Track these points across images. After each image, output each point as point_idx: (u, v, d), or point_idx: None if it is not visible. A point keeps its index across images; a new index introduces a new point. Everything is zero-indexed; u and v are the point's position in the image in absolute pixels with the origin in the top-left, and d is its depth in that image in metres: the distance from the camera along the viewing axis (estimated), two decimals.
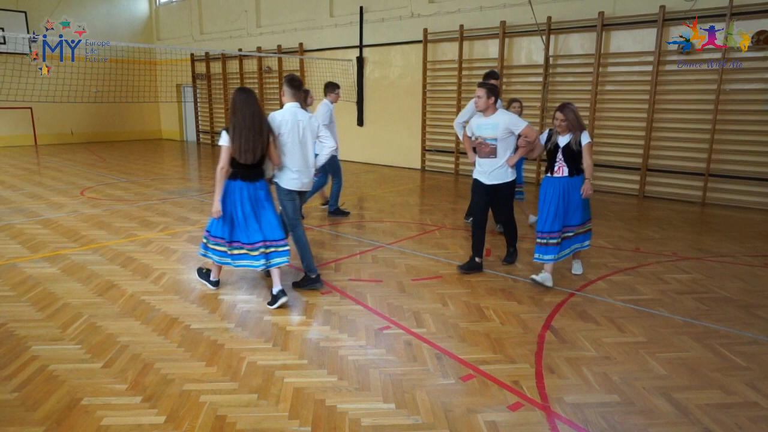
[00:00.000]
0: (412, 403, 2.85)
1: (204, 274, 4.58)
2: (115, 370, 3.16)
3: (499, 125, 4.68)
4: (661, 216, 7.59)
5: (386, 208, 7.92)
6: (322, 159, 4.65)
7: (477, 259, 4.98)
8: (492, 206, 5.10)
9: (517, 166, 6.26)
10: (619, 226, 6.93)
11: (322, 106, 6.86)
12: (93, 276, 4.80)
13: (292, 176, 4.37)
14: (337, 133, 7.11)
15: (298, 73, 14.14)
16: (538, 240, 4.59)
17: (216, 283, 4.51)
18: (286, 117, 4.26)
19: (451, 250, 5.70)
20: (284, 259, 4.24)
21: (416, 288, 4.59)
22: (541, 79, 9.85)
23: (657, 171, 8.94)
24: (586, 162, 4.55)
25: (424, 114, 11.89)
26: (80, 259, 5.27)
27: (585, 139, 4.50)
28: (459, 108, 11.06)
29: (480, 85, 4.71)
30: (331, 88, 7.03)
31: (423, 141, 12.05)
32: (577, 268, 5.01)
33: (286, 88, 4.31)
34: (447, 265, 5.19)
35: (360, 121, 13.28)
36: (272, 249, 4.21)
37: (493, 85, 4.72)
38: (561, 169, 4.57)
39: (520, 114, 6.38)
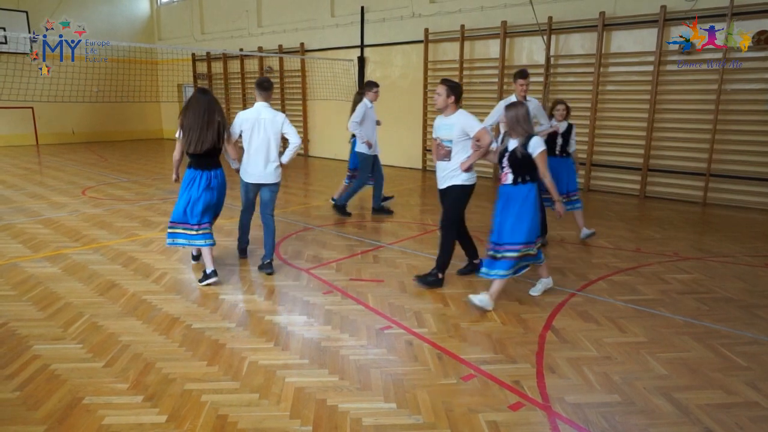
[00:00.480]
0: (413, 403, 2.85)
1: (204, 276, 4.60)
2: (117, 369, 3.16)
3: (455, 126, 4.35)
4: (662, 216, 7.59)
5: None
6: (288, 155, 4.86)
7: (475, 261, 4.92)
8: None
9: (572, 172, 5.85)
10: (619, 226, 6.92)
11: (360, 105, 6.93)
12: (94, 275, 4.81)
13: (248, 169, 4.84)
14: (375, 134, 7.14)
15: (298, 74, 14.22)
16: (488, 252, 4.17)
17: (214, 273, 4.57)
18: (248, 115, 4.76)
19: None
20: (209, 241, 4.62)
21: (417, 288, 4.59)
22: (542, 79, 9.84)
23: (658, 171, 8.93)
24: (542, 174, 4.04)
25: (425, 114, 11.89)
26: (81, 259, 5.28)
27: (536, 147, 3.97)
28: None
29: (442, 81, 4.40)
30: (368, 86, 7.06)
31: (424, 141, 12.04)
32: (536, 288, 4.46)
33: (255, 90, 4.84)
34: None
35: None
36: (202, 231, 4.60)
37: (454, 84, 4.39)
38: (506, 176, 4.12)
39: (565, 118, 5.76)
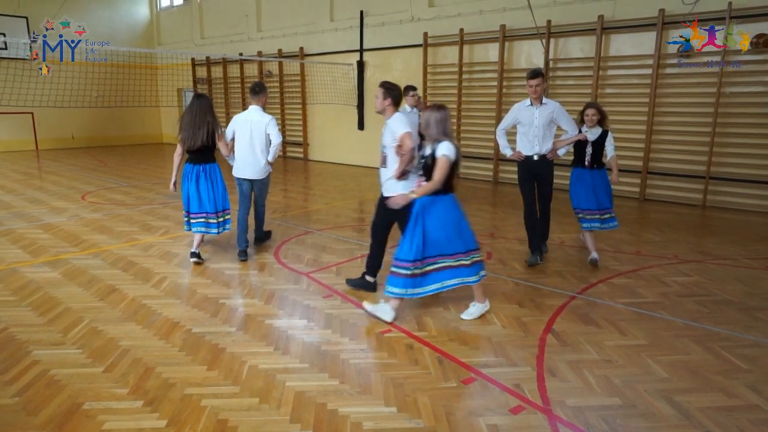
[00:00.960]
0: (413, 407, 2.85)
1: (192, 254, 5.28)
2: (117, 374, 3.16)
3: (387, 131, 4.16)
4: (662, 219, 7.59)
5: None
6: (272, 153, 5.38)
7: (368, 278, 4.56)
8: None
9: (608, 186, 5.26)
10: (619, 229, 6.88)
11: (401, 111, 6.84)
12: (94, 280, 4.81)
13: (239, 166, 5.40)
14: (416, 139, 6.98)
15: (298, 78, 14.24)
16: (391, 268, 3.86)
17: (198, 255, 5.27)
18: (240, 118, 5.38)
19: None
20: (212, 230, 5.22)
21: None
22: None
23: (657, 174, 8.93)
24: (433, 179, 3.67)
25: None
26: (81, 264, 5.27)
27: (439, 150, 3.66)
28: (460, 112, 11.08)
29: (380, 84, 4.23)
30: (405, 91, 6.69)
31: None
32: (467, 312, 4.05)
33: (249, 94, 5.45)
34: None
35: (361, 125, 13.30)
36: (212, 220, 5.20)
37: (391, 86, 4.19)
38: (420, 185, 3.84)
39: (600, 124, 5.14)
